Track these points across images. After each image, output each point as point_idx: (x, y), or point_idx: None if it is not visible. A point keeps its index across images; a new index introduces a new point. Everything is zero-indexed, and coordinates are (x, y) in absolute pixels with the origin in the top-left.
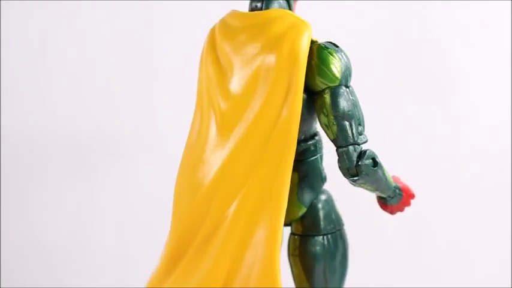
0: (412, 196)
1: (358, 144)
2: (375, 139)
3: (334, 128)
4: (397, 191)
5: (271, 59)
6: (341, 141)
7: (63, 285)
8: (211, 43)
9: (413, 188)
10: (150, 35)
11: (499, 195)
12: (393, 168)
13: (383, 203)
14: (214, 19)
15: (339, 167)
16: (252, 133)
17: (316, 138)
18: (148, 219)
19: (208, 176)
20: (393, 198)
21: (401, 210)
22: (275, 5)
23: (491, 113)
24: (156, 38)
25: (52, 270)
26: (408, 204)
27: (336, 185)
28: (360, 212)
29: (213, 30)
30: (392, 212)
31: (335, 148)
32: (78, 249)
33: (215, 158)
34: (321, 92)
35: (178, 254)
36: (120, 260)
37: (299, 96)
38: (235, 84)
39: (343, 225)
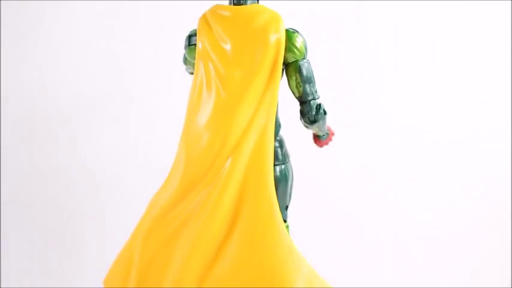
0: (333, 134)
1: (315, 99)
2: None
3: (300, 88)
4: (327, 131)
5: (261, 42)
6: (305, 98)
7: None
8: (206, 23)
9: (413, 188)
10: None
11: (498, 195)
12: (392, 166)
13: (318, 139)
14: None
15: (302, 116)
16: (251, 90)
17: None
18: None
19: (216, 125)
20: (324, 136)
21: (327, 144)
22: (249, 1)
23: (490, 111)
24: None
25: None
26: (331, 139)
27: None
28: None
29: (204, 16)
30: (321, 146)
31: (299, 103)
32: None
33: (223, 113)
34: (291, 63)
35: (190, 186)
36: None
37: (280, 65)
38: (233, 57)
39: (289, 157)
